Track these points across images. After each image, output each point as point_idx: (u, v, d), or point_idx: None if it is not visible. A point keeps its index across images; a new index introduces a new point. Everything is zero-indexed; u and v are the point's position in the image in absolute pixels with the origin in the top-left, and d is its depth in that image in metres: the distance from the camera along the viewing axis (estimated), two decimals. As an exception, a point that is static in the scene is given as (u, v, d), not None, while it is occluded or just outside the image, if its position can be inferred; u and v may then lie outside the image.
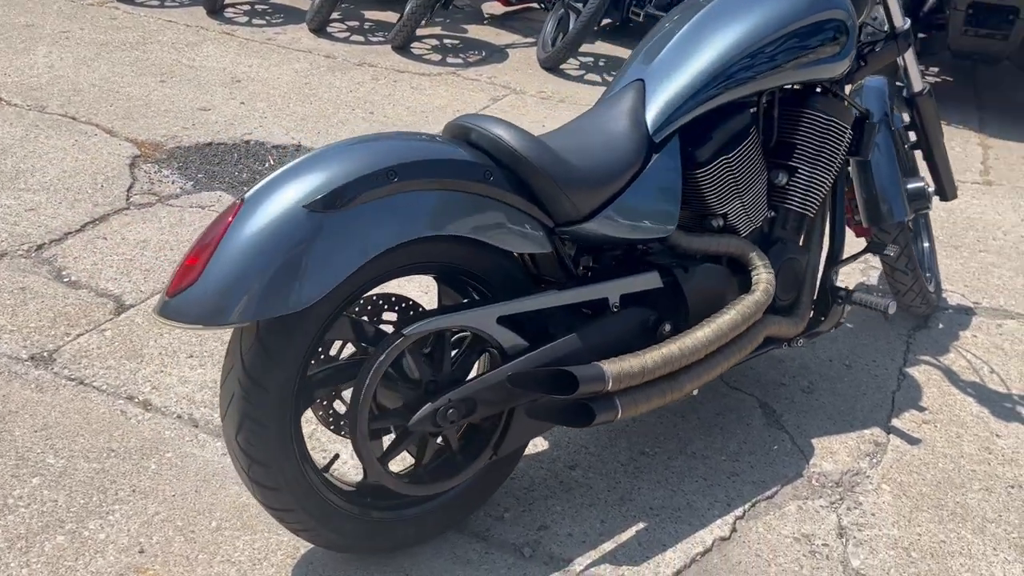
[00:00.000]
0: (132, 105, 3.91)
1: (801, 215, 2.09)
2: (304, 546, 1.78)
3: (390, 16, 5.43)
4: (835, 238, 2.22)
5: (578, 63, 4.88)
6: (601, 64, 4.96)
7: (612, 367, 1.65)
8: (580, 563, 1.78)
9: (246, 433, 1.52)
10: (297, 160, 1.55)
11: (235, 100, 4.06)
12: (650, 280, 1.85)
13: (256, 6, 5.46)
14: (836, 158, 2.08)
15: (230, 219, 1.48)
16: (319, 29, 5.09)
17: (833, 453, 2.11)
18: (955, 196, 2.58)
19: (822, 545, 1.85)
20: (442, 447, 1.76)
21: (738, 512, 1.93)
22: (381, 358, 1.56)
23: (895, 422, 2.23)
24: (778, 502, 1.97)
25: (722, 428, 2.18)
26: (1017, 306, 2.78)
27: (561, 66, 4.76)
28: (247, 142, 3.66)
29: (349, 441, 1.73)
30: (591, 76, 4.77)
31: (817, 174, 2.06)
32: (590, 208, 1.73)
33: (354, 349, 1.72)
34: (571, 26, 4.70)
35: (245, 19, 5.23)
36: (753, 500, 1.96)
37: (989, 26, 4.11)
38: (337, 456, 1.77)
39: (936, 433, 2.20)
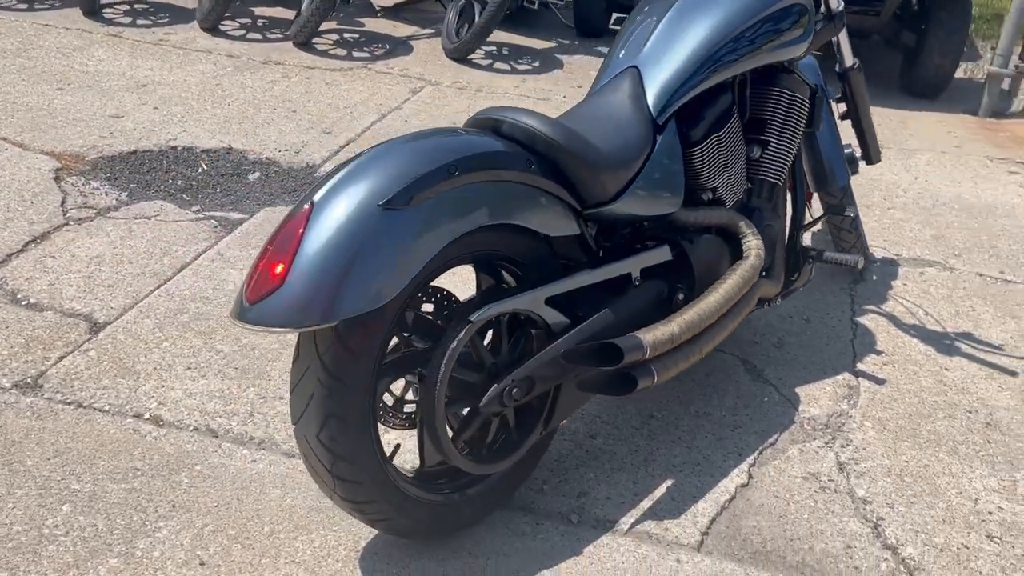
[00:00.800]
0: (35, 116, 3.70)
1: (773, 185, 2.28)
2: (364, 537, 1.82)
3: (281, 12, 5.34)
4: (798, 204, 2.43)
5: (483, 52, 4.97)
6: (505, 52, 5.07)
7: (648, 337, 1.78)
8: (625, 522, 1.91)
9: (330, 430, 1.56)
10: (357, 160, 1.59)
11: (147, 105, 3.91)
12: (663, 254, 1.99)
13: (136, 5, 5.24)
14: (799, 130, 2.28)
15: (303, 222, 1.50)
16: (212, 28, 4.95)
17: (816, 399, 2.33)
18: (879, 160, 2.86)
19: (828, 481, 2.06)
20: (497, 426, 1.83)
21: (750, 460, 2.11)
22: (453, 345, 1.63)
23: (860, 366, 2.47)
24: (780, 447, 2.16)
25: (715, 387, 2.36)
26: (932, 255, 3.10)
27: (469, 56, 4.84)
28: (174, 148, 3.54)
29: (394, 429, 1.81)
30: (500, 64, 4.87)
31: (785, 146, 2.26)
32: (616, 189, 1.85)
33: (396, 341, 1.77)
34: (476, 16, 4.79)
35: (128, 20, 5.01)
36: (759, 448, 2.15)
37: (862, 3, 4.49)
38: (399, 446, 1.82)
39: (896, 372, 2.46)
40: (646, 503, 1.96)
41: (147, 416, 2.13)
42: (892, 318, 2.70)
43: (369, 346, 1.56)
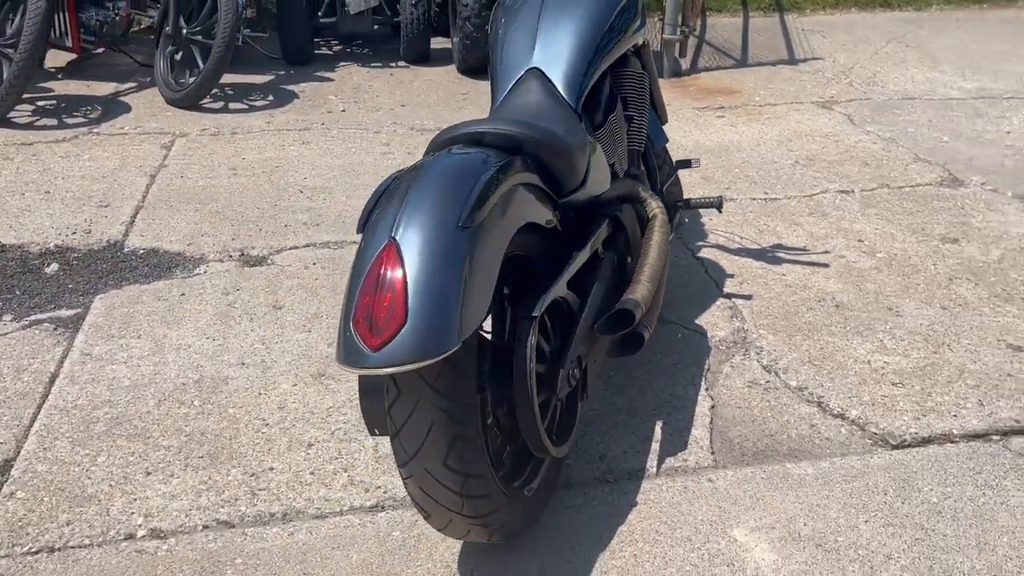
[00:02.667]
0: None
1: (640, 152, 2.61)
2: (450, 560, 1.85)
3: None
4: (652, 164, 2.79)
5: (210, 96, 4.74)
6: (232, 92, 4.89)
7: (637, 296, 2.01)
8: (651, 466, 2.13)
9: (458, 452, 1.58)
10: (400, 192, 1.61)
11: None
12: (607, 228, 2.22)
13: None
14: (647, 103, 2.63)
15: (396, 258, 1.51)
16: None
17: (715, 325, 2.72)
18: (667, 121, 3.33)
19: (766, 383, 2.45)
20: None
21: (702, 387, 2.43)
22: (531, 340, 1.72)
23: (726, 291, 2.91)
24: (716, 369, 2.51)
25: (636, 338, 2.65)
26: (711, 193, 3.67)
27: (200, 102, 4.60)
28: (-66, 260, 3.02)
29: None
30: (235, 104, 4.71)
31: (643, 118, 2.59)
32: (582, 176, 2.04)
33: None
34: (199, 61, 4.58)
35: None
36: (702, 375, 2.48)
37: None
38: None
39: (752, 287, 2.93)
40: (655, 446, 2.20)
41: (142, 534, 1.91)
42: (721, 248, 3.19)
43: (471, 361, 1.61)
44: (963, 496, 2.03)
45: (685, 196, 3.01)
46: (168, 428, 2.24)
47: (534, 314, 1.76)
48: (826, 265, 3.06)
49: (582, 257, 2.00)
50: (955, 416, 2.29)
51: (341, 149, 4.12)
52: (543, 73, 2.25)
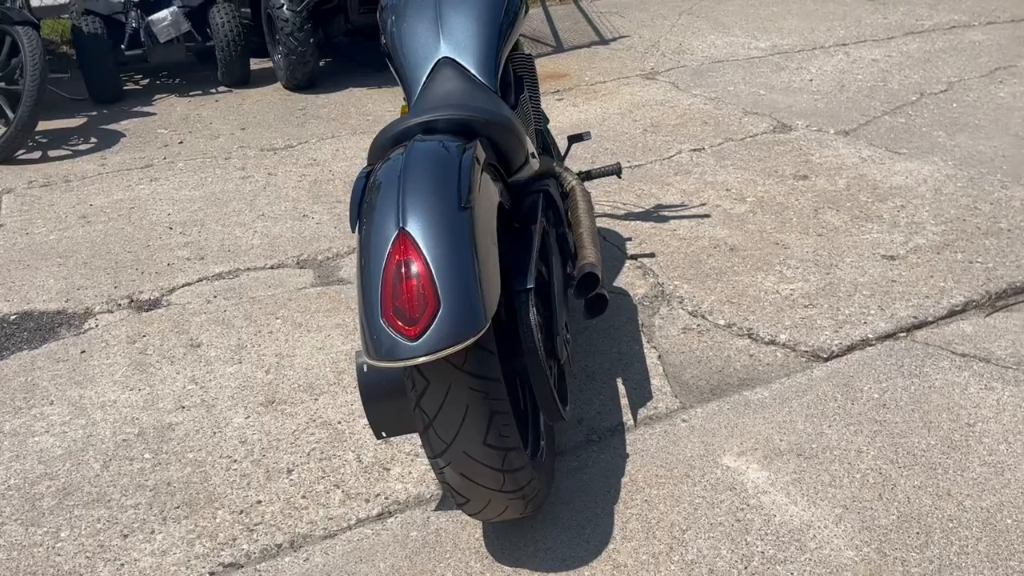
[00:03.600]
0: None
1: (540, 131, 2.70)
2: (469, 526, 1.86)
3: None
4: (551, 141, 2.89)
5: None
6: (45, 140, 4.51)
7: (593, 259, 2.10)
8: (627, 420, 2.23)
9: (496, 428, 1.60)
10: (397, 185, 1.60)
11: None
12: (542, 202, 2.29)
13: None
14: (538, 84, 2.72)
15: (411, 247, 1.50)
16: None
17: (633, 285, 2.86)
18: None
19: (697, 326, 2.61)
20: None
21: (643, 340, 2.56)
22: (533, 312, 1.76)
23: (630, 252, 3.06)
24: (649, 323, 2.65)
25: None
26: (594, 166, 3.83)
27: (16, 154, 4.21)
28: None
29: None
30: (56, 152, 4.36)
31: (538, 98, 2.68)
32: (526, 154, 2.09)
33: None
34: (11, 111, 4.19)
35: None
36: (640, 330, 2.61)
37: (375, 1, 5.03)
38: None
39: (652, 245, 3.10)
40: (623, 401, 2.30)
41: (146, 595, 1.78)
42: (610, 216, 3.35)
43: (491, 338, 1.63)
44: (897, 388, 2.28)
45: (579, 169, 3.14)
46: (128, 487, 2.08)
47: (529, 286, 1.81)
48: (708, 216, 3.29)
49: (540, 230, 2.07)
50: (865, 323, 2.56)
51: (195, 180, 3.93)
52: (456, 61, 2.28)
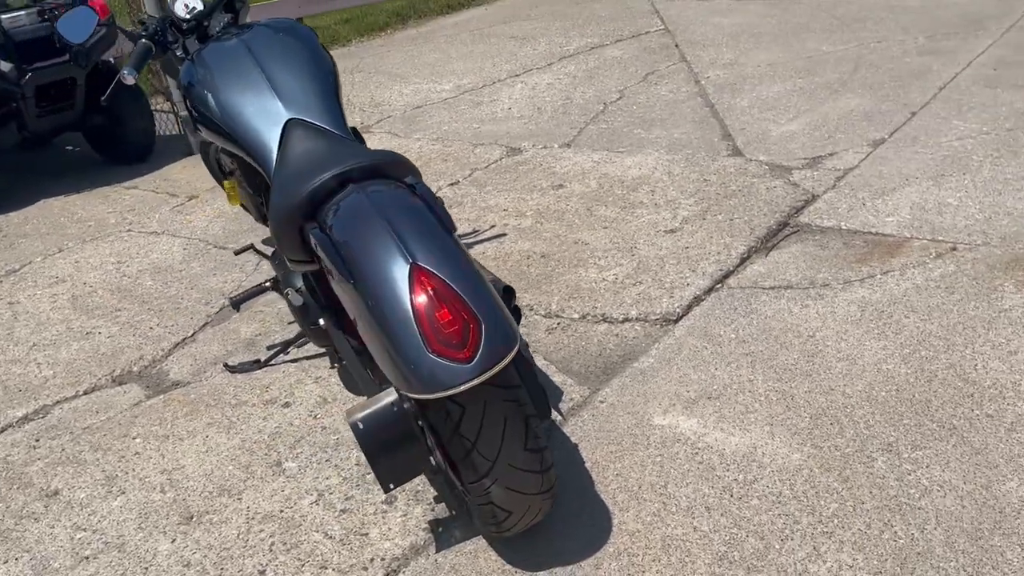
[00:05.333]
0: None
1: None
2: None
3: None
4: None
5: None
6: None
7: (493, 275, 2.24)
8: (555, 416, 2.37)
9: (533, 430, 1.68)
10: (378, 228, 1.62)
11: None
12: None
13: None
14: None
15: (435, 278, 1.53)
16: None
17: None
18: None
19: (559, 325, 2.82)
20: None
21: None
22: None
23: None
24: (513, 335, 2.80)
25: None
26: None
27: None
28: None
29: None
30: None
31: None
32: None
33: None
34: None
35: None
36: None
37: (57, 100, 4.59)
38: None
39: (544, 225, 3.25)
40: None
41: None
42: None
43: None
44: (744, 325, 2.68)
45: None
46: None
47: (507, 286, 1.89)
48: (504, 234, 3.53)
49: None
50: (688, 284, 2.96)
51: (-82, 331, 3.32)
52: (305, 121, 2.28)
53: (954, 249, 2.95)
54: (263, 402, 2.62)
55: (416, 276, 1.57)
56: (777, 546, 1.86)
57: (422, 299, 1.55)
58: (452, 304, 1.55)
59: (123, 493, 2.29)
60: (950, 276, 2.78)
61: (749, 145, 4.17)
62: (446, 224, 1.69)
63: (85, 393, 2.81)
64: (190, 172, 4.92)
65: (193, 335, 3.08)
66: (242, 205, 3.48)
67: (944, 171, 3.58)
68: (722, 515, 1.96)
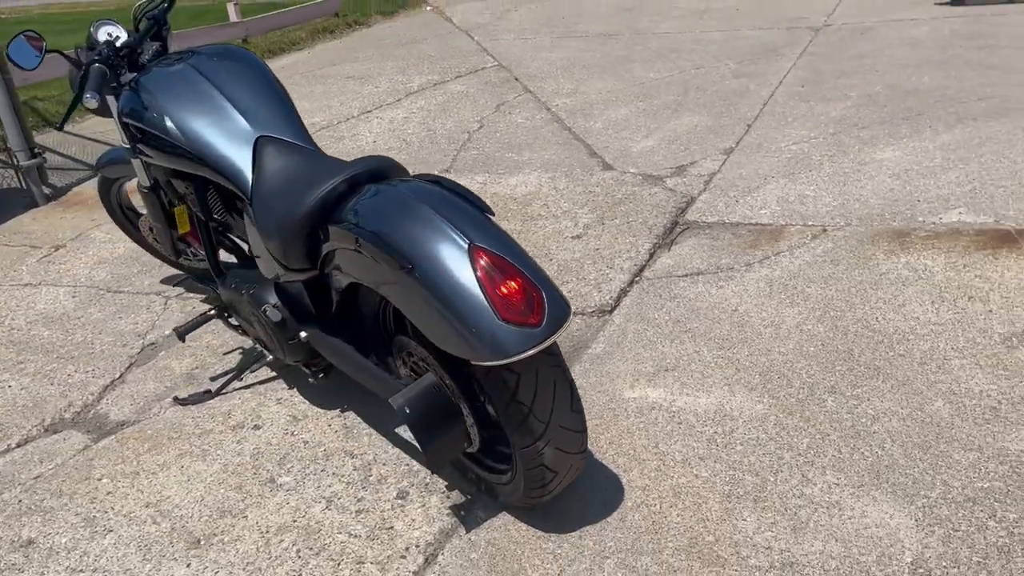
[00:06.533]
0: None
1: None
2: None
3: None
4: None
5: None
6: None
7: None
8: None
9: (575, 392, 1.83)
10: (428, 216, 1.74)
11: None
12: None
13: None
14: None
15: (493, 253, 1.66)
16: None
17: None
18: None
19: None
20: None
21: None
22: None
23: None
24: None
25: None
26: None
27: None
28: None
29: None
30: None
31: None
32: None
33: None
34: None
35: None
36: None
37: None
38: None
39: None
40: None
41: None
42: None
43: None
44: (674, 308, 2.96)
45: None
46: None
47: None
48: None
49: None
50: (612, 279, 3.21)
51: None
52: (274, 137, 2.32)
53: (825, 231, 3.40)
54: (230, 428, 2.57)
55: (476, 255, 1.68)
56: (772, 479, 2.11)
57: (488, 275, 1.67)
58: (515, 277, 1.68)
59: (111, 531, 2.18)
60: (831, 252, 3.22)
61: (617, 160, 4.53)
62: (484, 208, 1.81)
63: (18, 446, 2.62)
64: (43, 223, 4.63)
65: (121, 376, 2.95)
66: (154, 239, 3.39)
67: (793, 170, 4.09)
68: (715, 462, 2.19)
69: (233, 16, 9.24)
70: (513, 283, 1.68)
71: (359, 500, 2.20)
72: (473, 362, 1.69)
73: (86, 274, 3.85)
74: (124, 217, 3.46)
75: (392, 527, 2.10)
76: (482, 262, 1.69)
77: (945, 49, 5.89)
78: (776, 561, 1.87)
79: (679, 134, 4.82)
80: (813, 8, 7.87)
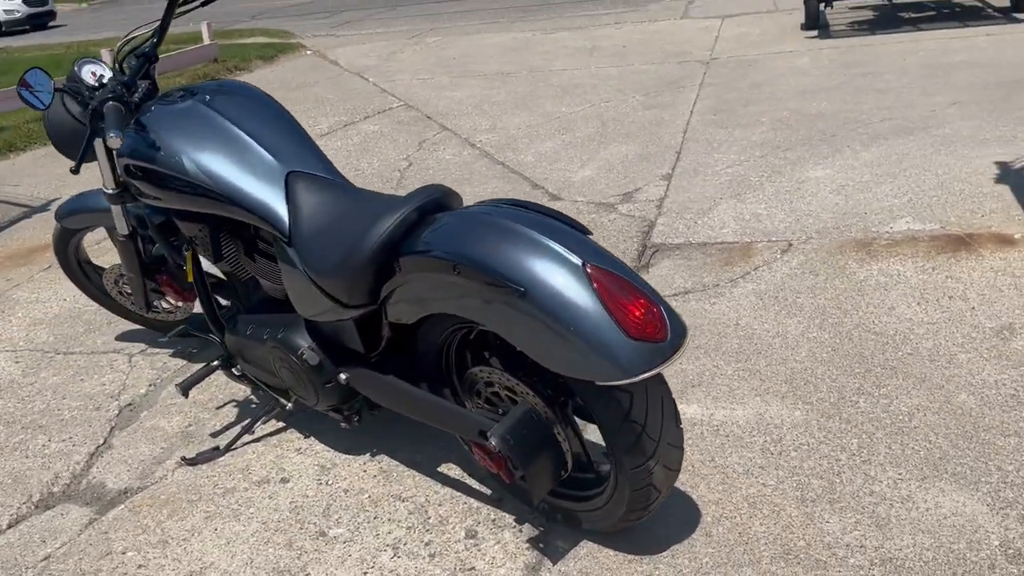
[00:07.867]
0: None
1: None
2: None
3: None
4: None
5: None
6: None
7: None
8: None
9: (678, 409, 1.81)
10: (533, 239, 1.70)
11: None
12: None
13: None
14: None
15: (608, 272, 1.65)
16: None
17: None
18: None
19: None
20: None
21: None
22: None
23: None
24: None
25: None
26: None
27: None
28: None
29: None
30: None
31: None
32: None
33: None
34: None
35: None
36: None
37: None
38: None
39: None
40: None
41: None
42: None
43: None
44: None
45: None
46: None
47: None
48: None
49: None
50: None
51: None
52: (305, 173, 2.22)
53: (791, 245, 3.56)
54: (255, 483, 2.39)
55: (592, 275, 1.66)
56: (837, 480, 2.17)
57: (608, 293, 1.64)
58: (636, 294, 1.67)
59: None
60: (805, 264, 3.37)
61: (562, 190, 4.59)
62: (582, 228, 1.79)
63: (10, 526, 2.34)
64: (-52, 288, 4.21)
65: (106, 442, 2.70)
66: (120, 292, 3.15)
67: (737, 191, 4.26)
68: (776, 469, 2.23)
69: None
70: (636, 300, 1.67)
71: (427, 544, 2.10)
72: (598, 383, 1.65)
73: (23, 337, 3.51)
74: (81, 272, 3.20)
75: (474, 568, 2.01)
76: (600, 281, 1.66)
77: (831, 76, 6.34)
78: (875, 559, 1.91)
79: (613, 163, 4.94)
80: (693, 44, 8.30)
